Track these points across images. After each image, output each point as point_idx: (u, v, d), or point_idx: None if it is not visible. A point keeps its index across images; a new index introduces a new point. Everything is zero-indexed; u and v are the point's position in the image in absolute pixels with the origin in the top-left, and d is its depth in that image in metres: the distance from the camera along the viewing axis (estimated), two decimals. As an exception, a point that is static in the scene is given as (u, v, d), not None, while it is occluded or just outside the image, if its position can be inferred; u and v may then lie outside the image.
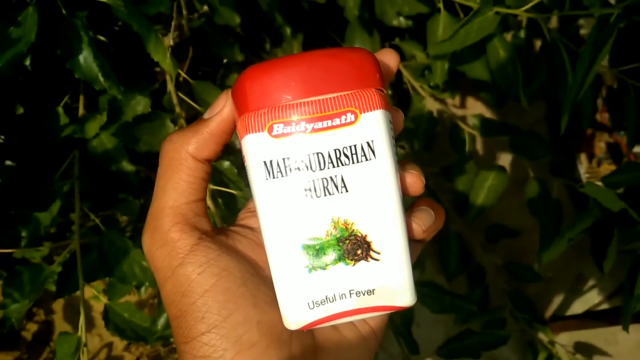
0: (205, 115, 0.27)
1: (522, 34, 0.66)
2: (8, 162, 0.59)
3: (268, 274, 0.27)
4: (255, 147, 0.25)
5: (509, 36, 0.68)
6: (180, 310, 0.26)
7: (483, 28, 0.55)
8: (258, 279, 0.27)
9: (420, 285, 0.64)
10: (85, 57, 0.50)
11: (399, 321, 0.62)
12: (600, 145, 1.08)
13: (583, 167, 1.06)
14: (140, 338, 0.56)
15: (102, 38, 0.58)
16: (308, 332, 0.28)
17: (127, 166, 0.56)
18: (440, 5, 0.62)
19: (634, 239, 0.59)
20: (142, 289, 0.65)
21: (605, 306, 0.99)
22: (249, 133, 0.25)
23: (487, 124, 0.72)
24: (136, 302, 0.74)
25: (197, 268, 0.26)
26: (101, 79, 0.50)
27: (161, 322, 0.52)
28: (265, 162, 0.25)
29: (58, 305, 0.84)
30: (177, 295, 0.26)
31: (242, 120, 0.25)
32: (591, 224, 0.58)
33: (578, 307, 1.01)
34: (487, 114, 1.06)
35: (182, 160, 0.27)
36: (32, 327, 0.83)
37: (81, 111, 0.57)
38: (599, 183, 0.58)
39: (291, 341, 0.27)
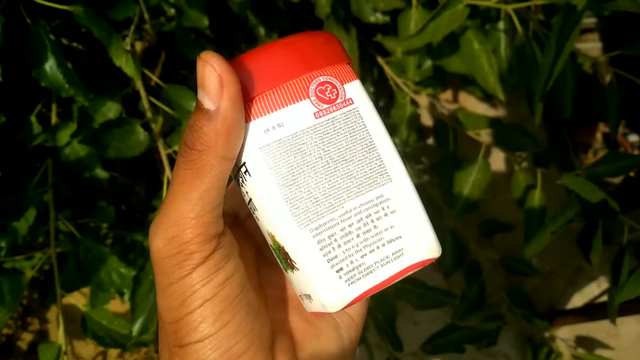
0: (211, 105, 0.24)
1: (500, 25, 0.65)
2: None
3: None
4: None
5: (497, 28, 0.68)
6: (176, 317, 0.25)
7: (453, 21, 0.54)
8: (255, 280, 0.28)
9: (402, 282, 0.63)
10: (51, 65, 0.50)
11: (382, 318, 0.61)
12: (597, 136, 1.07)
13: (584, 158, 1.05)
14: (118, 345, 0.56)
15: (76, 45, 0.58)
16: (286, 336, 0.29)
17: (101, 173, 0.56)
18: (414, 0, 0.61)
19: (616, 229, 0.58)
20: (125, 296, 0.65)
21: (605, 298, 0.97)
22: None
23: (470, 118, 0.71)
24: (127, 310, 0.74)
25: (204, 279, 0.25)
26: (67, 86, 0.50)
27: (136, 327, 0.52)
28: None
29: (52, 314, 0.85)
30: (177, 303, 0.25)
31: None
32: (573, 216, 0.57)
33: (578, 300, 1.00)
34: (480, 108, 1.05)
35: (214, 167, 0.25)
36: (27, 337, 0.83)
37: (54, 119, 0.57)
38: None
39: (275, 347, 0.27)
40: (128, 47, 0.47)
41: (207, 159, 0.24)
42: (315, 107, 0.26)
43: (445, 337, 0.65)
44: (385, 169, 0.27)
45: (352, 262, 0.26)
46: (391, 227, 0.26)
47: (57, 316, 0.87)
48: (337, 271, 0.25)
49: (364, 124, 0.27)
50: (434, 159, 0.91)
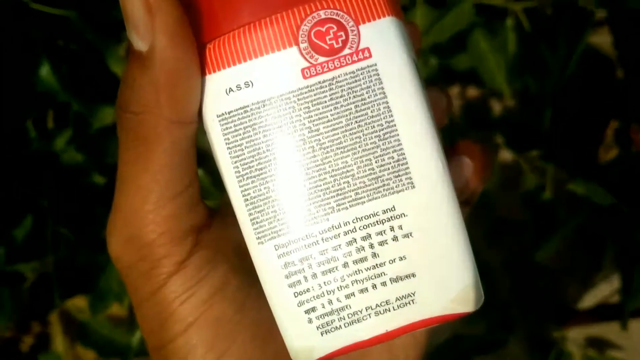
0: (140, 44, 0.17)
1: (508, 22, 0.64)
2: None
3: None
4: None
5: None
6: (160, 343, 0.20)
7: (459, 20, 0.53)
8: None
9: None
10: (45, 70, 0.49)
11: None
12: (608, 133, 1.05)
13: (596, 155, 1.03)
14: (118, 354, 0.55)
15: (73, 47, 0.57)
16: None
17: (99, 179, 0.55)
18: (419, -4, 0.60)
19: (629, 233, 0.57)
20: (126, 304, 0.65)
21: (616, 298, 0.96)
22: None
23: (473, 118, 0.70)
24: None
25: (183, 294, 0.19)
26: (62, 91, 0.49)
27: (136, 338, 0.51)
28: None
29: (54, 317, 0.84)
30: (155, 325, 0.20)
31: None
32: (583, 219, 0.56)
33: (589, 300, 0.98)
34: (503, 108, 1.04)
35: (161, 135, 0.18)
36: (29, 340, 0.83)
37: (50, 125, 0.56)
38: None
39: None
40: (124, 53, 0.46)
41: (150, 124, 0.17)
42: (306, 59, 0.17)
43: (451, 349, 0.63)
44: (407, 168, 0.18)
45: (330, 302, 0.18)
46: (401, 259, 0.18)
47: (57, 320, 0.86)
48: (307, 311, 0.18)
49: (383, 93, 0.17)
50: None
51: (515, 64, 0.60)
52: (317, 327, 0.18)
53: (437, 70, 0.71)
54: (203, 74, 0.18)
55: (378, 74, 0.17)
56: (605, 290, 0.99)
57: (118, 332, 0.56)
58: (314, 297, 0.18)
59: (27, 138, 0.55)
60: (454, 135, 0.74)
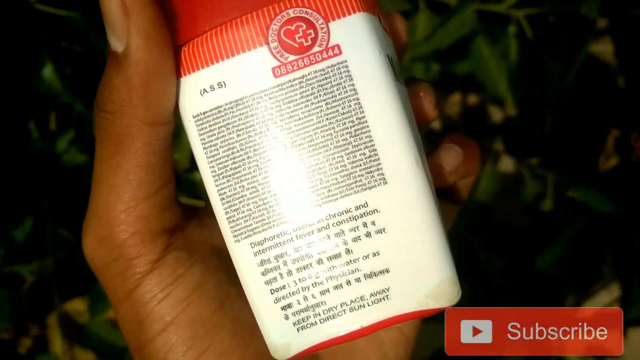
0: (117, 44, 0.17)
1: (510, 30, 0.64)
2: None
3: None
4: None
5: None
6: (139, 345, 0.20)
7: (461, 27, 0.53)
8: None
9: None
10: (48, 71, 0.49)
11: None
12: (609, 141, 1.05)
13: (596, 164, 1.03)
14: (116, 356, 0.55)
15: (76, 49, 0.57)
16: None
17: (99, 181, 0.55)
18: (422, 3, 0.60)
19: (629, 240, 0.57)
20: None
21: (615, 306, 0.96)
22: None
23: (473, 124, 0.70)
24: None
25: (159, 293, 0.19)
26: (65, 92, 0.49)
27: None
28: None
29: (52, 319, 0.84)
30: (134, 325, 0.20)
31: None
32: (583, 226, 0.56)
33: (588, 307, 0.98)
34: (490, 111, 1.04)
35: (133, 135, 0.18)
36: (27, 342, 0.82)
37: (52, 126, 0.56)
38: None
39: None
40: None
41: (123, 124, 0.18)
42: (276, 58, 0.18)
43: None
44: (379, 164, 0.18)
45: (306, 298, 0.18)
46: (374, 255, 0.18)
47: (56, 322, 0.86)
48: (284, 308, 0.18)
49: (354, 89, 0.18)
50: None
51: (517, 71, 0.61)
52: (294, 324, 0.18)
53: (438, 76, 0.71)
54: (179, 75, 0.18)
55: (348, 71, 0.18)
56: (605, 299, 0.99)
57: (116, 335, 0.56)
58: (289, 293, 0.18)
59: (29, 139, 0.55)
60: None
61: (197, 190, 0.52)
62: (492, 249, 0.95)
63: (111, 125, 0.18)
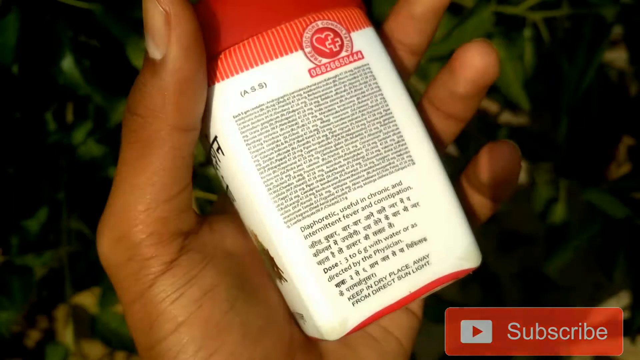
0: (156, 53, 0.18)
1: (526, 32, 0.64)
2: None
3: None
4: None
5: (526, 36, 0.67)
6: (149, 344, 0.20)
7: (478, 28, 0.53)
8: (251, 287, 0.22)
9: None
10: (68, 62, 0.49)
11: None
12: (621, 148, 1.05)
13: (608, 172, 1.03)
14: (127, 348, 0.55)
15: (94, 43, 0.58)
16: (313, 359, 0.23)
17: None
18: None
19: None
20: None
21: (625, 315, 0.95)
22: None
23: (489, 128, 0.70)
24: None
25: (172, 294, 0.19)
26: (83, 84, 0.49)
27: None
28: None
29: (61, 312, 0.84)
30: (145, 325, 0.20)
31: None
32: (596, 231, 0.56)
33: (596, 316, 0.98)
34: (503, 114, 1.04)
35: (162, 139, 0.18)
36: (34, 335, 0.83)
37: (69, 117, 0.57)
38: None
39: None
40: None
41: (153, 128, 0.18)
42: (311, 61, 0.20)
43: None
44: (406, 148, 0.21)
45: (357, 272, 0.20)
46: (413, 226, 0.20)
47: (65, 315, 0.86)
48: (338, 285, 0.19)
49: (378, 86, 0.21)
50: (453, 168, 0.90)
51: (532, 75, 0.61)
52: (349, 298, 0.20)
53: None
54: (215, 80, 0.19)
55: (371, 72, 0.21)
56: (614, 306, 0.99)
57: (126, 326, 0.56)
58: (342, 270, 0.20)
59: (46, 130, 0.56)
60: (468, 144, 0.74)
61: (212, 184, 0.52)
62: (502, 254, 0.95)
63: (141, 128, 0.18)
